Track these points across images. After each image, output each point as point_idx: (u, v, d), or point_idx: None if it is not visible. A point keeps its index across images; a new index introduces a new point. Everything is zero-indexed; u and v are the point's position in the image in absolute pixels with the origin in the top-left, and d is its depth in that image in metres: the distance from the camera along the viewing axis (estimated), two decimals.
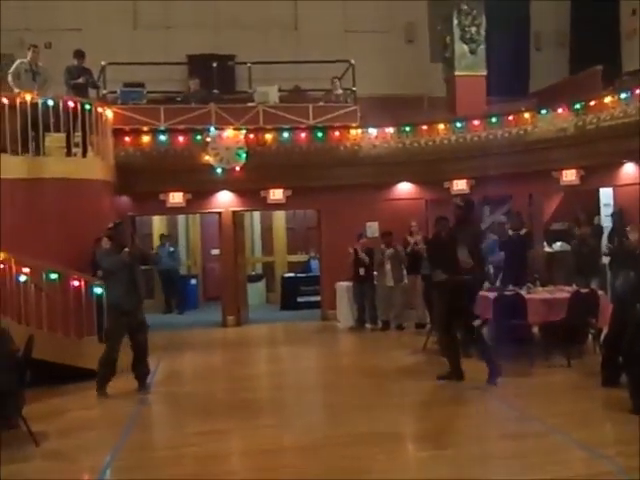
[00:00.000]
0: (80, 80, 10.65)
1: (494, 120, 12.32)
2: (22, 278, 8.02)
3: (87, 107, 9.82)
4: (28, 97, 9.19)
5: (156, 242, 15.66)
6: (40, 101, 9.23)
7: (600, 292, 8.64)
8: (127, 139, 11.93)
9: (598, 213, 12.83)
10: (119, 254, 7.46)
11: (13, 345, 6.08)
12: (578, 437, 5.44)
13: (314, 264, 15.03)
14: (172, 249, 15.19)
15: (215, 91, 12.59)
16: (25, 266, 7.98)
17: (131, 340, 7.60)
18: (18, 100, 9.14)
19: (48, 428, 6.21)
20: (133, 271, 7.57)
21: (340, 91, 13.00)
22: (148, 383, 7.74)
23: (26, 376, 5.99)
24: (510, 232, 9.76)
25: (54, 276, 8.13)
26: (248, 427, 6.20)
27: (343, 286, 12.17)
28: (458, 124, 12.54)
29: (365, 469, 5.02)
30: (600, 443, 5.39)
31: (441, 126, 12.61)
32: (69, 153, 9.73)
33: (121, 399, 7.33)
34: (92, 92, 11.45)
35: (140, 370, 7.69)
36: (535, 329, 9.15)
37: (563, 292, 8.51)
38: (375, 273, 11.53)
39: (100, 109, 10.33)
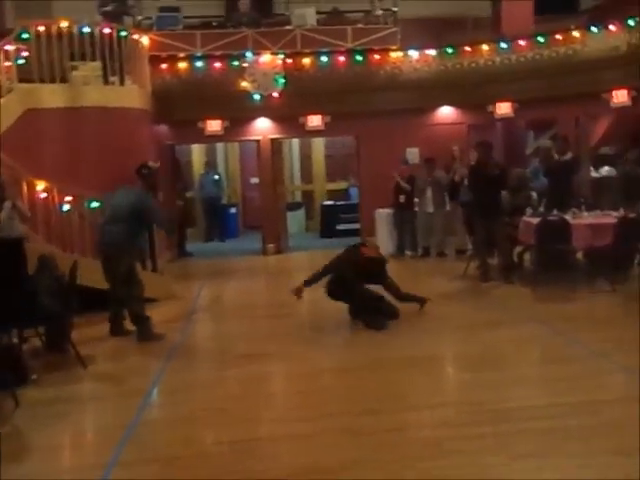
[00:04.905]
0: (108, 8, 10.47)
1: (541, 40, 11.82)
2: (65, 207, 8.14)
3: (123, 34, 9.69)
4: (64, 24, 9.11)
5: (197, 170, 15.70)
6: (76, 28, 9.15)
7: None
8: (164, 66, 11.79)
9: None
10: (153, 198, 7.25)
11: (58, 271, 6.21)
12: (622, 361, 5.37)
13: (353, 192, 14.93)
14: (217, 177, 15.19)
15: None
16: (67, 195, 8.08)
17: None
18: (54, 27, 9.07)
19: (95, 352, 6.40)
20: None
21: (380, 12, 12.57)
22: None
23: (72, 301, 6.13)
24: (555, 156, 9.47)
25: (96, 204, 8.22)
26: (289, 351, 6.29)
27: (383, 213, 12.07)
28: (503, 44, 12.07)
29: (406, 392, 5.06)
30: None
31: (485, 47, 12.17)
32: (106, 81, 9.68)
33: (164, 325, 7.47)
34: (128, 19, 11.27)
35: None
36: (579, 255, 9.01)
37: (609, 217, 8.29)
38: (416, 200, 11.39)
39: (136, 36, 10.20)
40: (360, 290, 7.05)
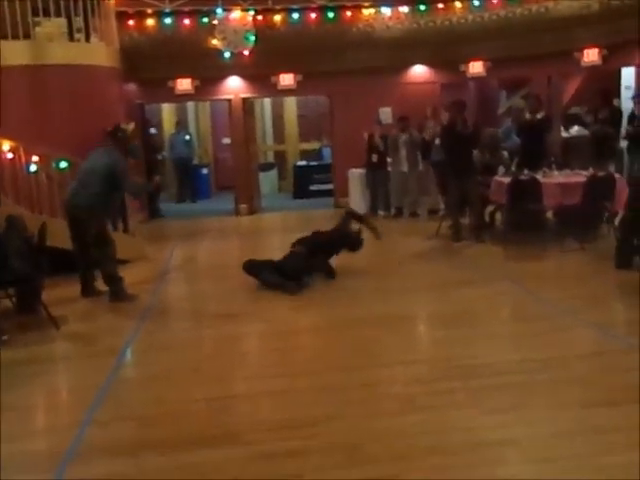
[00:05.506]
0: None
1: None
2: (32, 168, 7.97)
3: None
4: None
5: (168, 130, 15.47)
6: None
7: (617, 175, 8.49)
8: (131, 23, 11.51)
9: (618, 96, 12.42)
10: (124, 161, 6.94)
11: (27, 232, 6.12)
12: (590, 317, 5.48)
13: (326, 152, 14.85)
14: (188, 137, 15.00)
15: None
16: (34, 154, 7.91)
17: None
18: None
19: (67, 313, 6.34)
20: None
21: None
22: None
23: (42, 262, 6.05)
24: (527, 116, 9.50)
25: (64, 164, 8.07)
26: (264, 310, 6.31)
27: (356, 173, 12.05)
28: (476, 2, 11.99)
29: (379, 349, 5.12)
30: (612, 323, 5.46)
31: (458, 4, 12.07)
32: (72, 38, 9.41)
33: (137, 286, 7.42)
34: None
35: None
36: (549, 214, 9.12)
37: (579, 176, 8.38)
38: (389, 159, 11.37)
39: None
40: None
